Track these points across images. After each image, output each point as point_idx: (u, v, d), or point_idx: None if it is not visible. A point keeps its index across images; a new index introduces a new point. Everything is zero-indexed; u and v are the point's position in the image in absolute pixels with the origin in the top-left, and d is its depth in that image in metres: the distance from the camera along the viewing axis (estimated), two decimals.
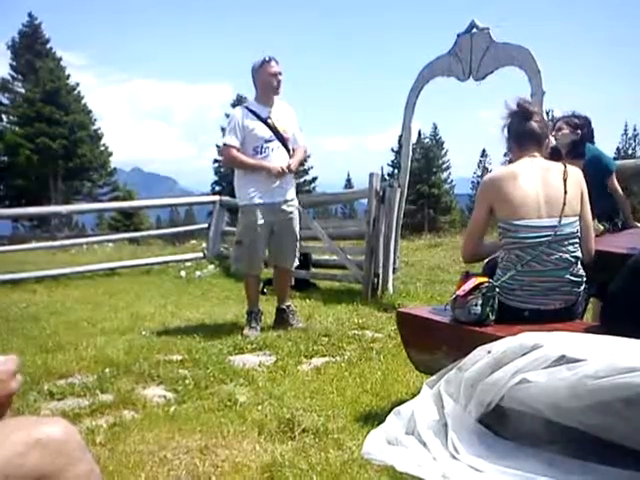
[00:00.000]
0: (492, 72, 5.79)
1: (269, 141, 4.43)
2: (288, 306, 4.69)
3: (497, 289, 2.41)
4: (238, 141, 4.42)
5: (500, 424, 2.00)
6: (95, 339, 4.23)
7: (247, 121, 4.42)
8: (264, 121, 4.43)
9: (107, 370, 3.39)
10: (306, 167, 39.62)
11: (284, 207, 4.52)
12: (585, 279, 2.53)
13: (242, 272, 4.75)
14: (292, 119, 4.63)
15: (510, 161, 2.72)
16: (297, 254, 4.73)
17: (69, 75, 36.73)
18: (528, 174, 2.50)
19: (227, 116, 35.55)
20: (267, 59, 4.42)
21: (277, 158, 4.44)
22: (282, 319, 4.65)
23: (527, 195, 2.44)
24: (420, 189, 43.80)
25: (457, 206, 48.50)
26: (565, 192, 2.47)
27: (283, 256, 4.65)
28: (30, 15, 37.89)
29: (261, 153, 4.42)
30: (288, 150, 4.52)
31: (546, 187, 2.47)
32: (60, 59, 37.46)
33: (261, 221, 4.44)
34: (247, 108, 4.51)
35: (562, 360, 1.86)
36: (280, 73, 4.46)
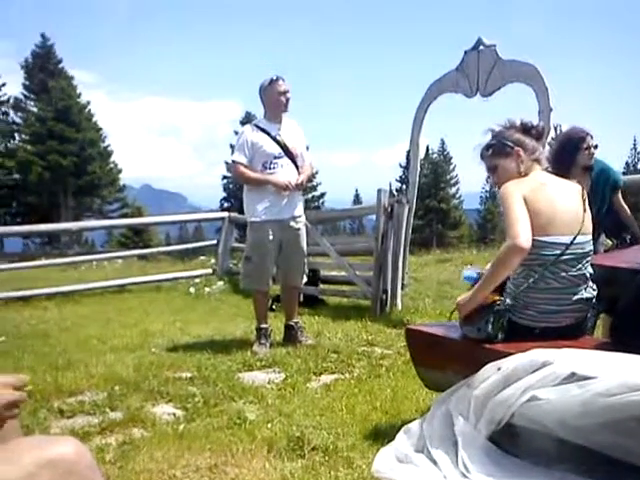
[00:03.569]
0: (499, 89, 5.82)
1: (278, 157, 4.47)
2: (296, 323, 4.69)
3: (508, 307, 2.38)
4: (246, 158, 4.46)
5: (510, 442, 1.99)
6: (105, 356, 4.24)
7: (256, 138, 4.47)
8: (273, 138, 4.48)
9: (117, 387, 3.40)
10: (314, 183, 39.73)
11: (292, 223, 4.55)
12: (595, 295, 2.52)
13: (251, 288, 4.76)
14: (300, 137, 4.67)
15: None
16: (305, 270, 4.75)
17: (80, 93, 37.18)
18: (553, 190, 2.48)
19: (236, 133, 35.77)
20: (275, 78, 4.48)
21: (286, 174, 4.47)
22: (291, 336, 4.65)
23: (554, 210, 2.41)
24: (429, 204, 43.76)
25: (466, 221, 48.38)
26: (584, 210, 2.47)
27: (291, 273, 4.66)
28: (43, 36, 38.51)
29: (270, 169, 4.45)
30: (297, 166, 4.56)
31: (568, 204, 2.46)
32: (72, 78, 37.92)
33: (270, 237, 4.46)
34: (256, 126, 4.57)
35: (572, 377, 1.85)
36: (288, 91, 4.51)
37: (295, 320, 4.71)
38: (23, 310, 6.93)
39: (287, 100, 4.52)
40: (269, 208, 4.46)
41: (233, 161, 4.55)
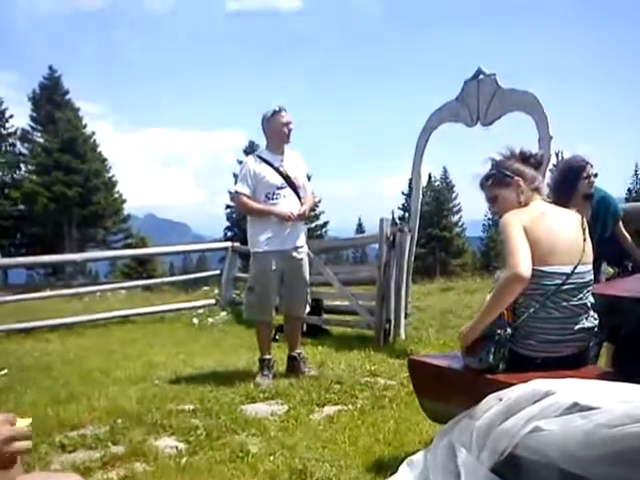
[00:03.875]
0: (499, 117, 5.89)
1: (281, 188, 4.51)
2: (299, 354, 4.68)
3: (509, 337, 2.38)
4: (249, 189, 4.50)
5: (513, 473, 1.97)
6: (107, 389, 4.23)
7: (259, 169, 4.52)
8: (276, 169, 4.52)
9: (119, 421, 3.38)
10: (317, 212, 39.87)
11: (294, 254, 4.56)
12: (597, 324, 2.52)
13: (254, 319, 4.76)
14: (302, 168, 4.72)
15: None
16: (308, 300, 4.76)
17: (86, 124, 37.70)
18: (553, 219, 2.49)
19: (240, 162, 36.07)
20: (277, 109, 4.54)
21: (289, 204, 4.51)
22: (293, 367, 4.63)
23: (555, 240, 2.42)
24: (431, 232, 43.83)
25: (469, 249, 48.35)
26: (584, 240, 2.48)
27: (294, 303, 4.67)
28: (51, 68, 39.18)
29: (273, 199, 4.49)
30: (299, 197, 4.59)
31: (568, 233, 2.48)
32: (78, 109, 38.47)
33: (272, 267, 4.47)
34: (259, 157, 4.61)
35: (575, 408, 1.84)
36: (290, 122, 4.57)
37: (298, 351, 4.70)
38: (25, 342, 6.92)
39: (289, 131, 4.58)
40: (271, 239, 4.48)
41: (236, 192, 4.60)
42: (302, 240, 4.66)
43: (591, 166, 3.99)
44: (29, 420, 1.17)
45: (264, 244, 4.49)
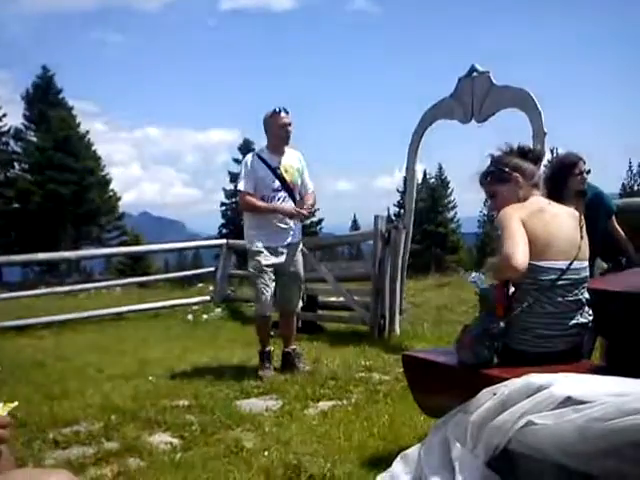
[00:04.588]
0: (493, 114, 5.89)
1: (277, 191, 4.55)
2: (294, 349, 4.69)
3: (503, 332, 2.38)
4: (252, 187, 4.51)
5: (508, 468, 1.97)
6: (102, 385, 4.22)
7: (258, 169, 4.53)
8: (273, 171, 4.53)
9: (113, 417, 3.38)
10: (312, 209, 39.85)
11: (288, 250, 4.58)
12: (591, 319, 2.52)
13: (258, 314, 4.75)
14: (301, 167, 4.71)
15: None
16: (301, 296, 4.79)
17: (79, 123, 37.46)
18: (551, 215, 2.49)
19: (235, 160, 36.02)
20: (277, 110, 4.52)
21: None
22: (288, 362, 4.64)
23: (551, 236, 2.42)
24: (427, 228, 43.84)
25: (464, 245, 48.39)
26: (581, 237, 2.49)
27: (288, 298, 4.69)
28: (44, 67, 38.92)
29: (269, 201, 4.52)
30: (294, 200, 4.62)
31: (566, 230, 2.48)
32: (72, 108, 38.25)
33: (267, 263, 4.49)
34: (259, 156, 4.61)
35: (568, 402, 1.84)
36: (289, 124, 4.55)
37: (293, 347, 4.70)
38: (19, 339, 6.89)
39: (287, 133, 4.56)
40: (266, 235, 4.51)
41: (240, 190, 4.59)
42: (297, 236, 4.67)
43: (584, 162, 3.99)
44: (14, 404, 1.14)
45: (260, 241, 4.52)
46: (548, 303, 2.38)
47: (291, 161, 4.64)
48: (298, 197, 4.67)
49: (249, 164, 4.57)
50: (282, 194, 4.55)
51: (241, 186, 4.56)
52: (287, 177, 4.56)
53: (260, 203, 4.51)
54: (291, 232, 4.60)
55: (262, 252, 4.51)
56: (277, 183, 4.53)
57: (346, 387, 4.01)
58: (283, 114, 4.53)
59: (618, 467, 1.71)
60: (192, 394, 3.88)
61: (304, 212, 4.57)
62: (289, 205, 4.57)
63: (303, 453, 2.68)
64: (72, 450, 2.93)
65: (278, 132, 4.54)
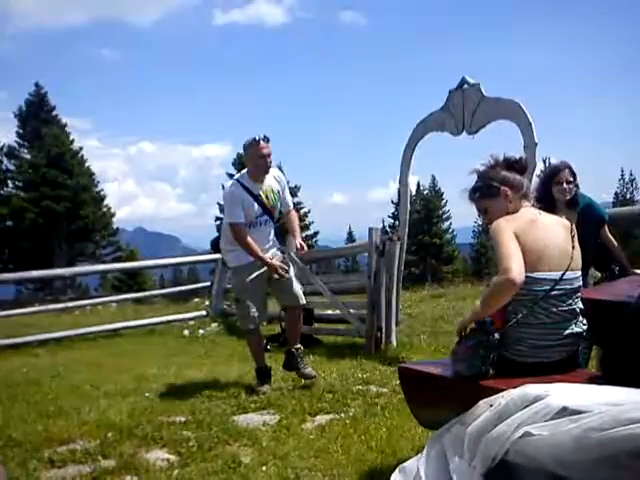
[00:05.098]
0: (484, 126, 5.94)
1: (259, 216, 4.59)
2: (297, 349, 4.67)
3: (498, 343, 2.38)
4: (242, 216, 4.50)
5: (505, 479, 1.97)
6: (98, 402, 4.19)
7: (243, 199, 4.53)
8: (255, 198, 4.56)
9: (109, 434, 3.36)
10: (307, 222, 39.88)
11: (270, 254, 4.59)
12: (586, 328, 2.53)
13: (244, 328, 4.76)
14: (280, 188, 4.72)
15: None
16: (301, 289, 4.76)
17: (73, 140, 37.49)
18: (542, 226, 2.50)
19: (229, 175, 36.05)
20: (257, 139, 4.47)
21: (265, 230, 4.62)
22: (290, 363, 4.65)
23: (544, 246, 2.43)
24: (422, 240, 43.92)
25: (459, 255, 48.46)
26: (573, 247, 2.50)
27: (287, 294, 4.66)
28: (37, 85, 38.99)
29: (252, 227, 4.56)
30: (274, 221, 4.72)
31: (557, 240, 2.49)
32: (65, 125, 38.30)
33: (252, 276, 4.51)
34: (241, 184, 4.58)
35: (565, 412, 1.85)
36: (269, 155, 4.53)
37: (297, 346, 4.68)
38: (14, 358, 6.85)
39: (267, 164, 4.54)
40: (242, 252, 4.53)
41: (233, 223, 4.53)
42: (272, 241, 4.69)
43: (569, 171, 3.95)
44: None
45: (239, 257, 4.57)
46: (542, 314, 2.40)
47: (271, 184, 4.66)
48: (277, 215, 4.77)
49: (235, 195, 4.55)
50: (264, 218, 4.62)
51: (233, 219, 4.52)
52: (267, 203, 4.62)
53: (253, 246, 4.47)
54: (265, 239, 4.64)
55: (242, 268, 4.55)
56: (259, 210, 4.58)
57: (343, 400, 4.00)
58: (262, 143, 4.48)
59: (614, 477, 1.72)
60: (189, 410, 3.87)
61: (286, 275, 4.53)
62: (269, 227, 4.65)
63: (301, 467, 2.67)
64: (68, 469, 2.90)
65: (257, 162, 4.53)
